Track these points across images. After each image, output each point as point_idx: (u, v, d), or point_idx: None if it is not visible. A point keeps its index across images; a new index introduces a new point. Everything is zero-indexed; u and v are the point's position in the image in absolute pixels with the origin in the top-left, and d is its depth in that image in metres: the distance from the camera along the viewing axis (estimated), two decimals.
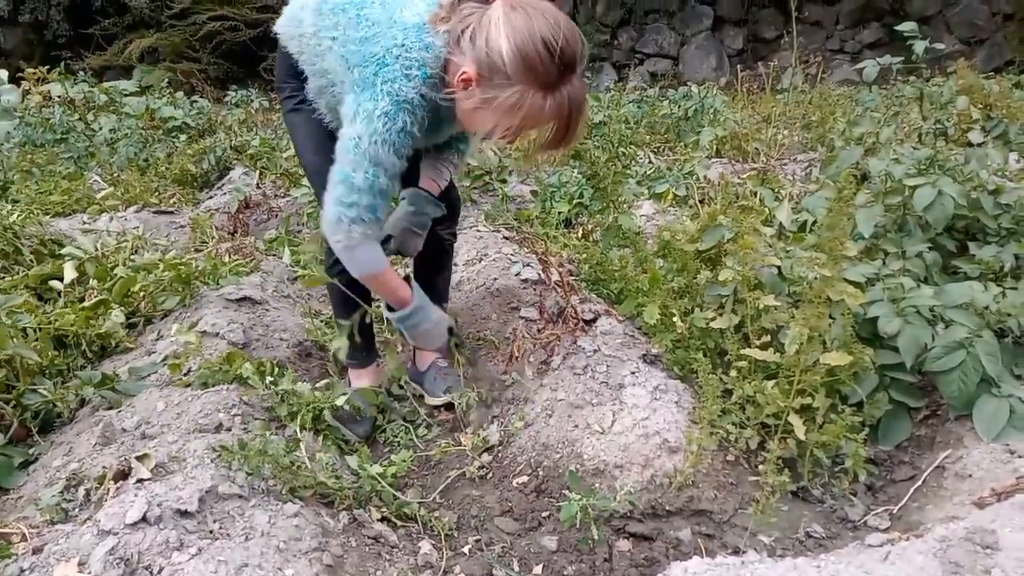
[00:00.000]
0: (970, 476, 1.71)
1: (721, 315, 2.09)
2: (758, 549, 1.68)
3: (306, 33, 1.89)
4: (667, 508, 1.76)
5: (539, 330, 2.41)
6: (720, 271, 2.12)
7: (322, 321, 2.73)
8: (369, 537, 1.69)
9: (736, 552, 1.63)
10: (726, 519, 1.76)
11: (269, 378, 1.99)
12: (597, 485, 1.80)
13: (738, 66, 9.15)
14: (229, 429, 1.85)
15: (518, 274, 2.75)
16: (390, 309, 2.01)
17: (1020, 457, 1.68)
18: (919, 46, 3.10)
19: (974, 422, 1.80)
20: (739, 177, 3.90)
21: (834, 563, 1.26)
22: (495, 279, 2.76)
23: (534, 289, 2.68)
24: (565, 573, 1.64)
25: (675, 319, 2.05)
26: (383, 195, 1.76)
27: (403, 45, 1.67)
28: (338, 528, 1.67)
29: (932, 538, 1.28)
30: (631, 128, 5.01)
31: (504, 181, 3.97)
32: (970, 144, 3.39)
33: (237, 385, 2.02)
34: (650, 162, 4.29)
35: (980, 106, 4.72)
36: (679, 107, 5.68)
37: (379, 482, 1.78)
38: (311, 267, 3.20)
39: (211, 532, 1.50)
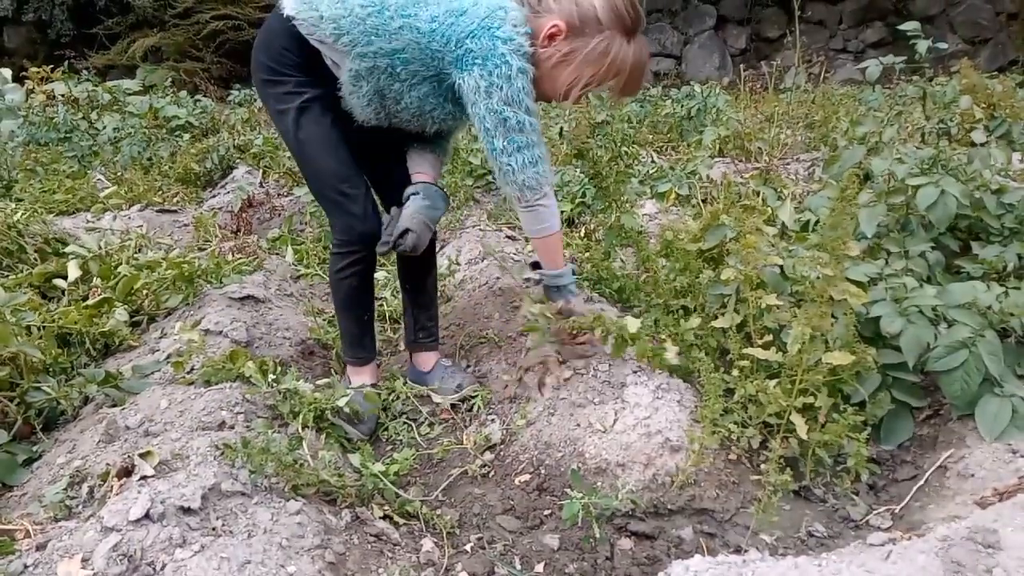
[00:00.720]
0: (972, 476, 1.71)
1: (723, 314, 2.09)
2: (760, 548, 1.68)
3: (355, 14, 1.82)
4: (669, 507, 1.76)
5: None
6: (722, 270, 2.12)
7: (325, 320, 2.73)
8: (371, 535, 1.69)
9: (738, 551, 1.63)
10: (728, 518, 1.76)
11: (271, 376, 1.99)
12: (599, 484, 1.80)
13: (741, 65, 9.14)
14: (232, 427, 1.85)
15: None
16: (536, 267, 2.16)
17: (1022, 457, 1.68)
18: (922, 45, 3.09)
19: (976, 422, 1.80)
20: (742, 176, 3.90)
21: (835, 562, 1.26)
22: (498, 278, 2.77)
23: (538, 288, 2.68)
24: (567, 571, 1.64)
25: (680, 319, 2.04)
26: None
27: (502, 7, 1.79)
28: (340, 526, 1.67)
29: (934, 537, 1.28)
30: (634, 127, 5.01)
31: None
32: (973, 144, 3.38)
33: (240, 383, 2.02)
34: (653, 161, 4.29)
35: (983, 106, 4.71)
36: (682, 106, 5.67)
37: (381, 480, 1.79)
38: (312, 267, 3.20)
39: (214, 529, 1.50)
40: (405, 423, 2.16)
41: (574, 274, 2.16)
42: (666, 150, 5.02)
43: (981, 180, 2.56)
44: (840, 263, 1.90)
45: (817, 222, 2.78)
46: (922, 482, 1.78)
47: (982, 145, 3.48)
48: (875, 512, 1.76)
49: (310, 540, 1.53)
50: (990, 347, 1.83)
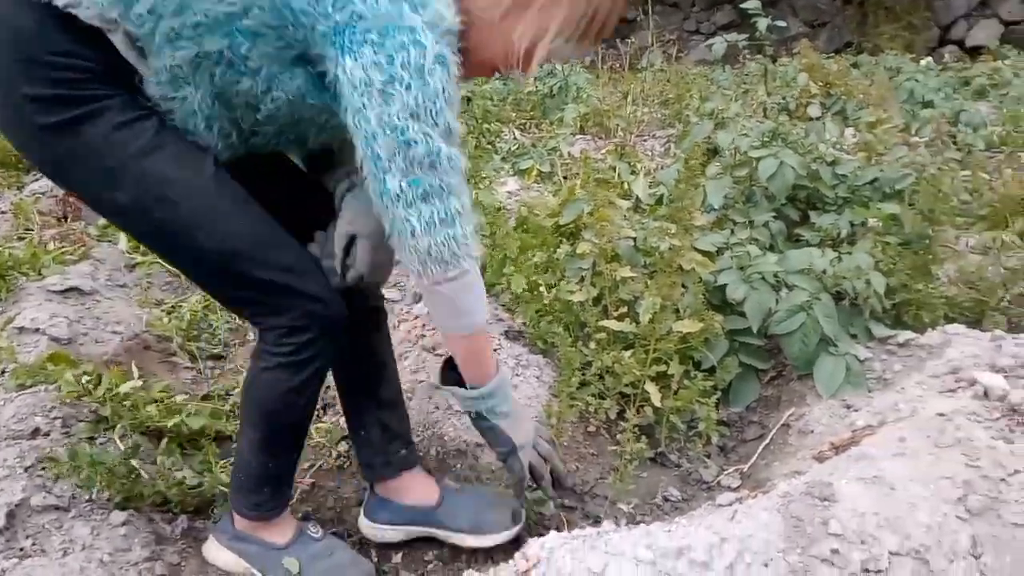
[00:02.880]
0: (812, 432, 1.79)
1: (581, 288, 2.09)
2: (618, 517, 1.69)
3: None
4: (529, 483, 1.74)
5: (405, 311, 2.33)
6: (579, 244, 2.12)
7: (163, 311, 2.52)
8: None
9: (597, 522, 1.63)
10: (587, 490, 1.77)
11: (86, 377, 1.77)
12: (459, 466, 1.75)
13: (601, 46, 9.32)
14: (48, 434, 1.65)
15: None
16: (459, 385, 1.42)
17: (856, 411, 1.78)
18: (762, 23, 3.23)
19: (815, 380, 1.89)
20: (600, 153, 3.95)
21: (684, 526, 1.27)
22: None
23: (395, 269, 2.59)
24: (425, 559, 1.58)
25: (541, 289, 2.02)
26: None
27: None
28: (176, 534, 1.54)
29: (775, 494, 1.32)
30: (496, 105, 4.97)
31: None
32: (810, 118, 3.59)
33: (58, 385, 1.81)
34: (515, 138, 4.27)
35: (821, 84, 5.02)
36: (544, 84, 5.69)
37: (223, 485, 1.65)
38: None
39: (22, 550, 1.34)
40: None
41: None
42: (529, 128, 5.02)
43: (817, 152, 2.70)
44: (688, 233, 1.94)
45: (669, 195, 2.85)
46: (767, 441, 1.85)
47: (818, 119, 3.70)
48: (725, 473, 1.82)
49: (138, 552, 1.39)
50: (825, 309, 1.92)
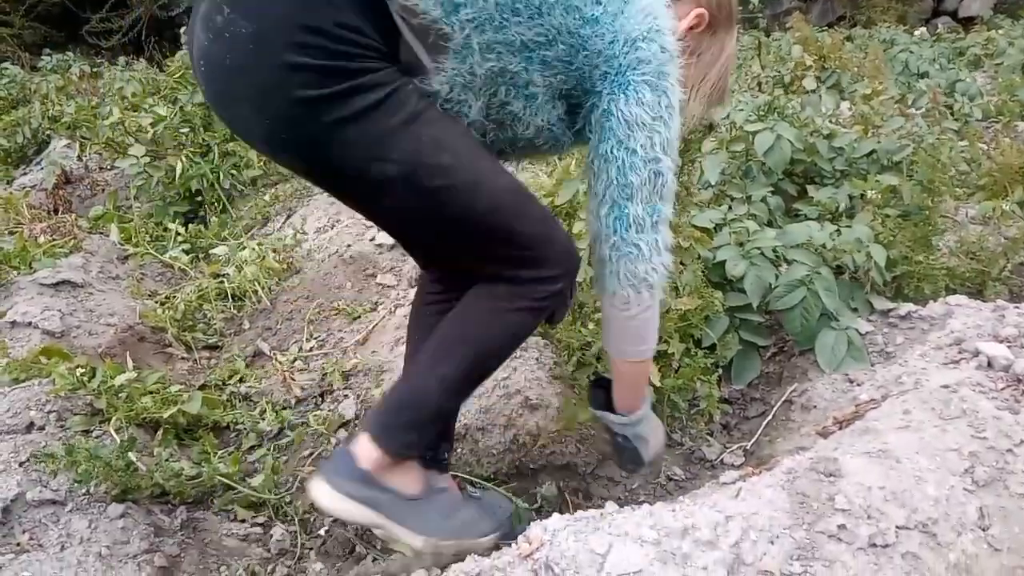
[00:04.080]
0: (815, 407, 1.78)
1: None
2: (622, 498, 1.68)
3: None
4: (531, 466, 1.73)
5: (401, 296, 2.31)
6: (574, 224, 2.09)
7: (157, 302, 2.49)
8: (211, 531, 1.55)
9: (601, 504, 1.62)
10: (590, 471, 1.75)
11: (80, 370, 1.74)
12: (460, 450, 1.73)
13: None
14: (42, 428, 1.63)
15: (373, 239, 2.62)
16: (608, 408, 1.46)
17: (859, 385, 1.76)
18: None
19: (816, 355, 1.87)
20: None
21: (688, 505, 1.26)
22: (349, 245, 2.62)
23: (391, 253, 2.56)
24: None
25: None
26: None
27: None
28: (175, 526, 1.52)
29: (780, 471, 1.31)
30: None
31: None
32: (805, 91, 3.56)
33: (52, 379, 1.79)
34: None
35: (815, 57, 4.98)
36: None
37: (222, 475, 1.64)
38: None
39: (19, 545, 1.32)
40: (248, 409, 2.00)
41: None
42: None
43: (813, 126, 2.67)
44: (686, 210, 1.91)
45: None
46: (770, 417, 1.84)
47: (813, 92, 3.67)
48: (728, 450, 1.81)
49: (137, 545, 1.37)
50: (826, 284, 1.90)
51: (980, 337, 1.72)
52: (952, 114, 3.30)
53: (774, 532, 1.19)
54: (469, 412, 1.76)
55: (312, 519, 1.65)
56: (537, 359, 1.90)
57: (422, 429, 1.31)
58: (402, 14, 1.10)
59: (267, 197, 3.26)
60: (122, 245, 2.91)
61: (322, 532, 1.61)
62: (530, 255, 1.23)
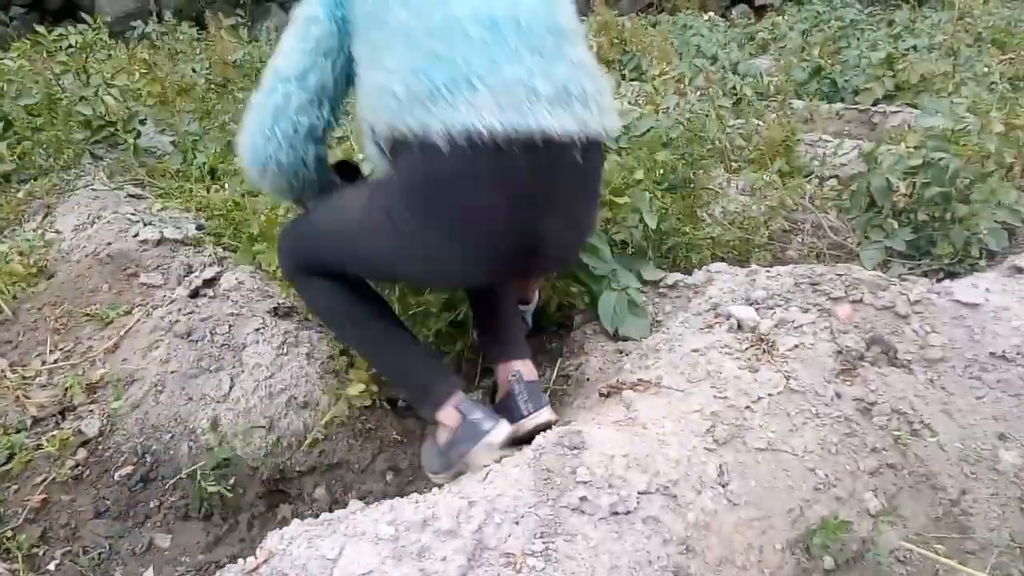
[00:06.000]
0: (587, 380, 1.79)
1: None
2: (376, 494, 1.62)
3: None
4: (298, 469, 1.62)
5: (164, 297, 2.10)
6: None
7: None
8: None
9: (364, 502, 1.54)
10: (364, 467, 1.67)
11: None
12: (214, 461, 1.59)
13: None
14: None
15: (136, 235, 2.37)
16: None
17: (626, 355, 1.79)
18: None
19: (600, 316, 1.89)
20: None
21: (434, 495, 1.21)
22: (109, 243, 2.36)
23: (158, 250, 2.34)
24: (176, 571, 1.42)
25: None
26: None
27: None
28: None
29: (529, 449, 1.29)
30: None
31: (134, 131, 3.44)
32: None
33: None
34: None
35: (616, 41, 5.14)
36: None
37: None
38: None
39: None
40: None
41: None
42: None
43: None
44: None
45: None
46: (547, 393, 1.83)
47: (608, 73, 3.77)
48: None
49: None
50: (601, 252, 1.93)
51: (734, 302, 1.80)
52: (736, 93, 3.50)
53: (519, 512, 1.16)
54: (227, 417, 1.63)
55: (41, 553, 1.45)
56: (308, 354, 1.79)
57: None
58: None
59: (20, 194, 2.89)
60: None
61: (51, 567, 1.42)
62: None
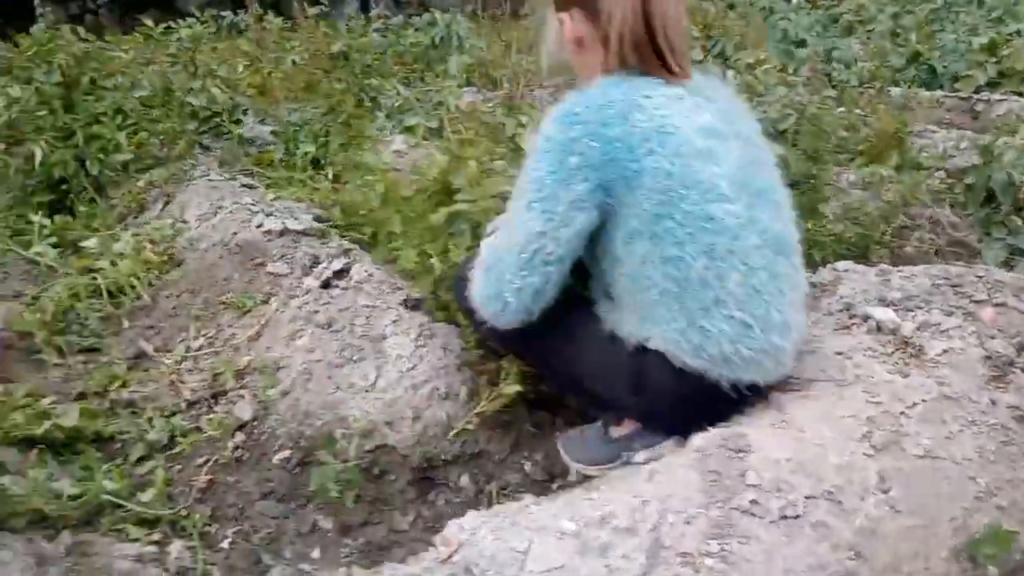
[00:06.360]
0: None
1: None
2: (533, 487, 1.67)
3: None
4: (443, 458, 1.69)
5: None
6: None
7: (25, 304, 2.27)
8: (102, 555, 1.43)
9: (511, 493, 1.60)
10: (503, 458, 1.73)
11: None
12: (368, 446, 1.67)
13: None
14: None
15: (260, 225, 2.47)
16: None
17: None
18: None
19: None
20: (488, 105, 3.85)
21: (605, 492, 1.25)
22: (235, 233, 2.46)
23: (282, 240, 2.43)
24: (342, 552, 1.50)
25: (432, 260, 1.92)
26: None
27: None
28: (59, 553, 1.39)
29: (691, 450, 1.32)
30: (377, 59, 4.74)
31: (238, 122, 3.56)
32: (693, 61, 3.61)
33: None
34: (398, 94, 4.09)
35: (700, 26, 5.07)
36: (426, 35, 5.49)
37: (109, 492, 1.51)
38: None
39: None
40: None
41: None
42: (412, 81, 4.83)
43: None
44: None
45: None
46: None
47: (700, 63, 3.73)
48: None
49: None
50: None
51: (868, 302, 1.80)
52: (831, 81, 3.43)
53: (690, 512, 1.20)
54: (375, 406, 1.70)
55: (213, 531, 1.55)
56: (444, 346, 1.85)
57: None
58: None
59: (141, 183, 3.02)
60: None
61: (224, 545, 1.52)
62: None
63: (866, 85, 3.87)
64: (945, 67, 4.08)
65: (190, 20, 3.90)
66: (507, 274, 1.32)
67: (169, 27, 3.85)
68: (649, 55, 1.30)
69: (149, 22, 3.67)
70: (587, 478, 1.69)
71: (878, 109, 2.86)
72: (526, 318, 1.36)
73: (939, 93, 3.91)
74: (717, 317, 1.31)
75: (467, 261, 1.69)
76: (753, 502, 1.20)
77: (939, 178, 2.79)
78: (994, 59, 3.88)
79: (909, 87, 3.87)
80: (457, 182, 1.97)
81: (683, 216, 1.26)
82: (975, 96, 3.80)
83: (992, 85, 3.89)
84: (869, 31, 5.35)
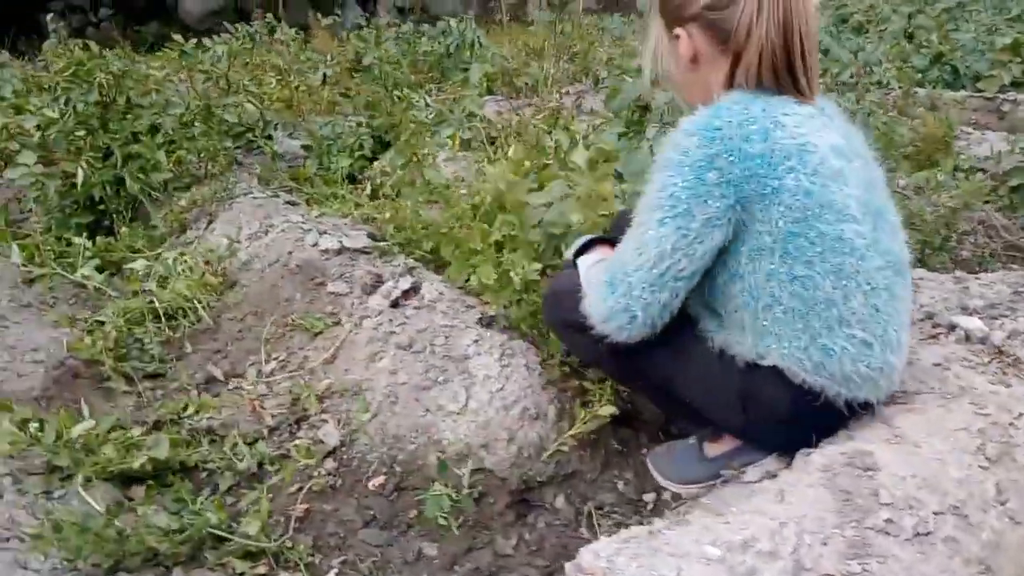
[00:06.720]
0: None
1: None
2: (628, 506, 1.66)
3: None
4: (539, 480, 1.68)
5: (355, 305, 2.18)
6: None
7: (84, 330, 2.25)
8: None
9: (605, 511, 1.60)
10: (595, 478, 1.73)
11: (33, 425, 1.55)
12: (462, 470, 1.66)
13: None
14: (1, 496, 1.43)
15: (316, 244, 2.46)
16: None
17: None
18: None
19: None
20: (517, 113, 3.85)
21: (737, 514, 1.25)
22: (290, 252, 2.45)
23: (339, 259, 2.42)
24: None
25: (512, 274, 1.91)
26: None
27: None
28: None
29: (815, 469, 1.32)
30: (398, 69, 4.73)
31: (270, 137, 3.54)
32: None
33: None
34: (427, 105, 4.09)
35: None
36: (439, 43, 5.48)
37: (209, 526, 1.49)
38: None
39: None
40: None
41: None
42: (432, 90, 4.82)
43: None
44: None
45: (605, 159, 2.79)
46: None
47: None
48: None
49: None
50: None
51: (949, 310, 1.81)
52: (869, 86, 3.45)
53: (826, 533, 1.19)
54: (469, 428, 1.69)
55: (317, 562, 1.54)
56: (526, 365, 1.84)
57: None
58: None
59: (183, 202, 3.00)
60: (25, 266, 2.61)
61: (332, 575, 1.51)
62: None
63: (886, 86, 3.88)
64: (968, 67, 4.11)
65: (225, 36, 3.88)
66: (636, 290, 1.32)
67: (200, 44, 3.82)
68: (784, 75, 1.29)
69: (178, 37, 3.65)
70: (678, 496, 1.70)
71: (925, 115, 2.87)
72: (650, 332, 1.36)
73: (963, 93, 3.94)
74: (840, 336, 1.31)
75: (557, 278, 1.69)
76: (888, 521, 1.20)
77: (979, 180, 2.81)
78: (1018, 59, 3.91)
79: (934, 87, 3.89)
80: (537, 199, 1.97)
81: (817, 235, 1.26)
82: (1000, 96, 3.83)
83: (1016, 85, 3.92)
84: (881, 31, 5.37)
